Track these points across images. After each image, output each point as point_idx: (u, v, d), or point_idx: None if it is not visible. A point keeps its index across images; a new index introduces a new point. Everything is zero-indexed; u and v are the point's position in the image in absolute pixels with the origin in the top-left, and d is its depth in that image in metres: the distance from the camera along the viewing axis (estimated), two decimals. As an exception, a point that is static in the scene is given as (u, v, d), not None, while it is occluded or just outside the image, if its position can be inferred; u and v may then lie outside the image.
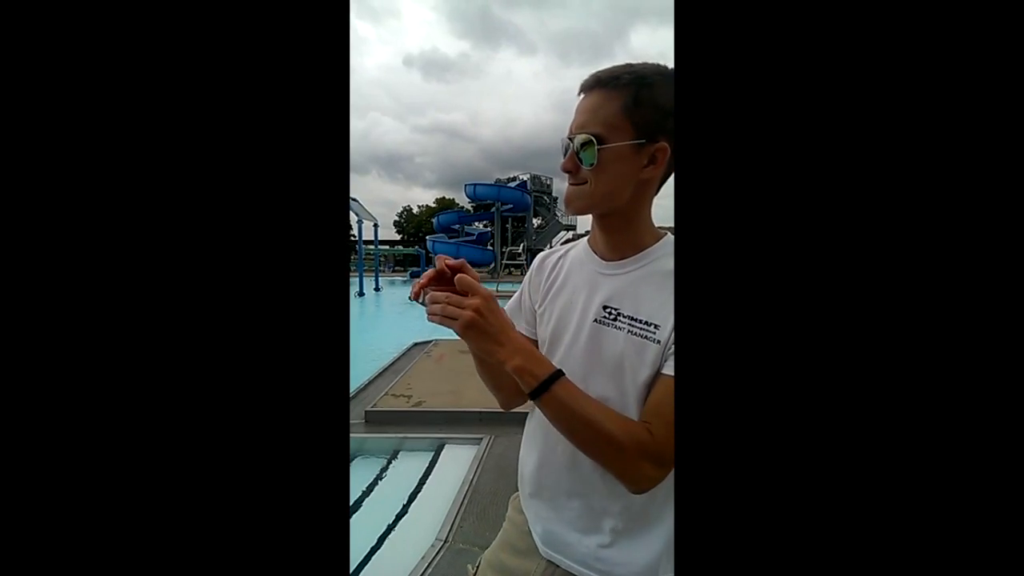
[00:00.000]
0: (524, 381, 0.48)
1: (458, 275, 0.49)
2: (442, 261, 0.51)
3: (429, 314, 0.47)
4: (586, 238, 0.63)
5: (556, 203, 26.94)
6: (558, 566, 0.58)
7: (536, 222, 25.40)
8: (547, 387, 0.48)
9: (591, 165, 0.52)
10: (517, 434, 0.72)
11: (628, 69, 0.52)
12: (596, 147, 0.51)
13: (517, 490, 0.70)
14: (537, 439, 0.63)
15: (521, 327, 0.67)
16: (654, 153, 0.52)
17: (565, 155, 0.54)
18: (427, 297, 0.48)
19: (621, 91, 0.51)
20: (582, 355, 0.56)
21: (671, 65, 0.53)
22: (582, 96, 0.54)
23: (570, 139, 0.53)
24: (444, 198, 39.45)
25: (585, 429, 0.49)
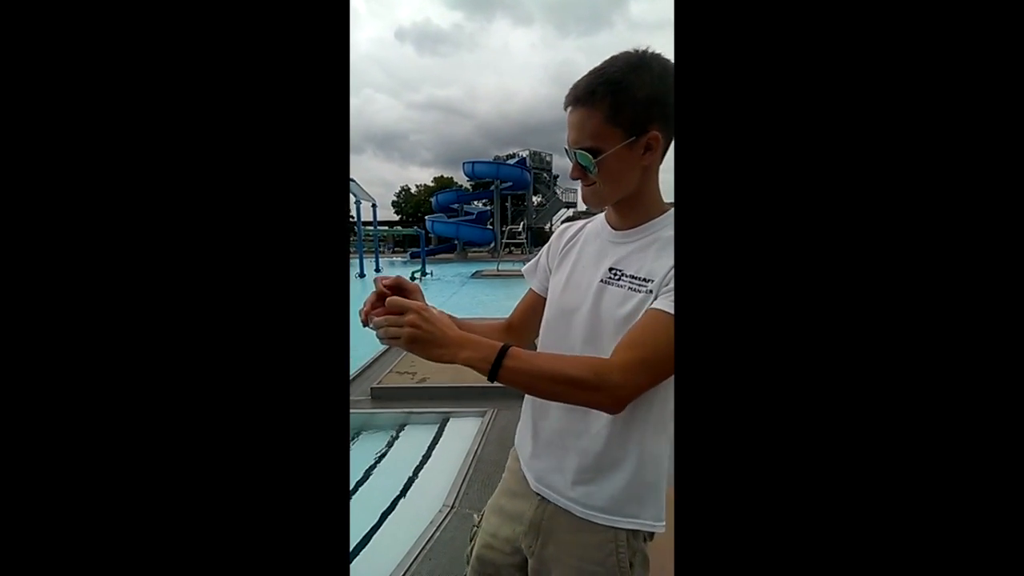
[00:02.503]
0: (478, 368, 0.52)
1: (388, 299, 0.53)
2: (380, 283, 0.56)
3: (377, 337, 0.53)
4: (603, 213, 0.68)
5: (556, 181, 26.60)
6: (549, 501, 0.64)
7: (536, 200, 25.14)
8: (499, 364, 0.52)
9: (595, 173, 0.57)
10: (520, 407, 0.76)
11: (600, 78, 0.55)
12: (594, 160, 0.56)
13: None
14: (526, 396, 0.70)
15: (533, 284, 0.75)
16: (648, 142, 0.56)
17: (572, 164, 0.59)
18: (372, 322, 0.53)
19: (598, 104, 0.55)
20: (589, 311, 0.61)
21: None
22: (568, 110, 0.58)
23: (572, 151, 0.57)
24: (442, 177, 38.98)
25: (546, 383, 0.53)
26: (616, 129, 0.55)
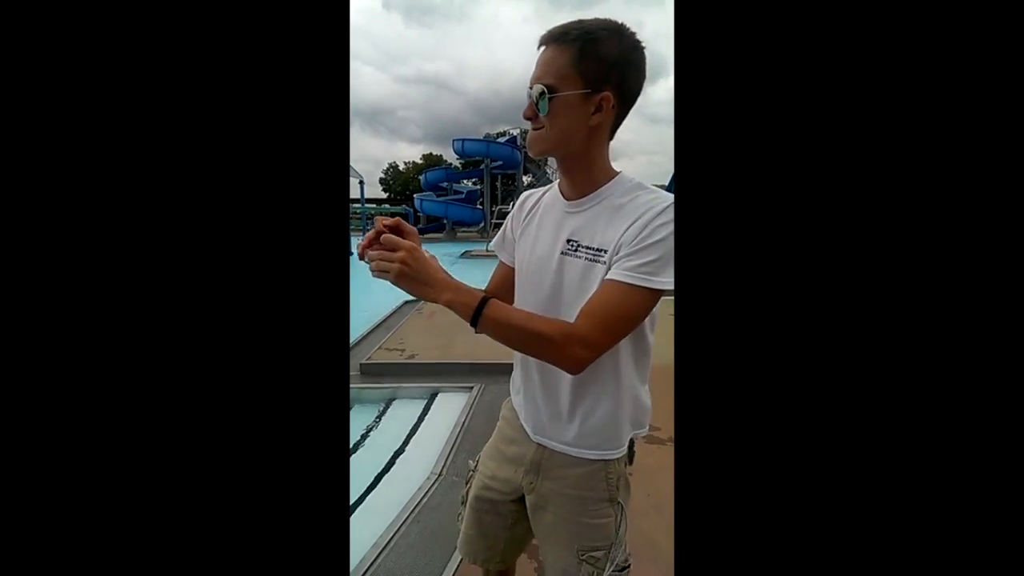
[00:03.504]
0: (459, 312, 0.58)
1: (383, 235, 0.58)
2: (380, 222, 0.60)
3: (371, 271, 0.57)
4: (557, 182, 0.72)
5: (547, 160, 26.26)
6: (546, 447, 0.72)
7: (527, 180, 24.91)
8: (480, 312, 0.58)
9: (546, 113, 0.60)
10: (507, 382, 0.82)
11: (577, 25, 0.58)
12: (548, 96, 0.59)
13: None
14: (516, 354, 0.76)
15: (503, 257, 0.79)
16: (600, 102, 0.60)
17: (528, 102, 0.62)
18: (368, 256, 0.58)
19: (569, 46, 0.59)
20: (552, 280, 0.67)
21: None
22: (541, 49, 0.61)
23: (532, 88, 0.61)
24: (431, 154, 38.25)
25: (518, 334, 0.60)
26: (577, 76, 0.58)
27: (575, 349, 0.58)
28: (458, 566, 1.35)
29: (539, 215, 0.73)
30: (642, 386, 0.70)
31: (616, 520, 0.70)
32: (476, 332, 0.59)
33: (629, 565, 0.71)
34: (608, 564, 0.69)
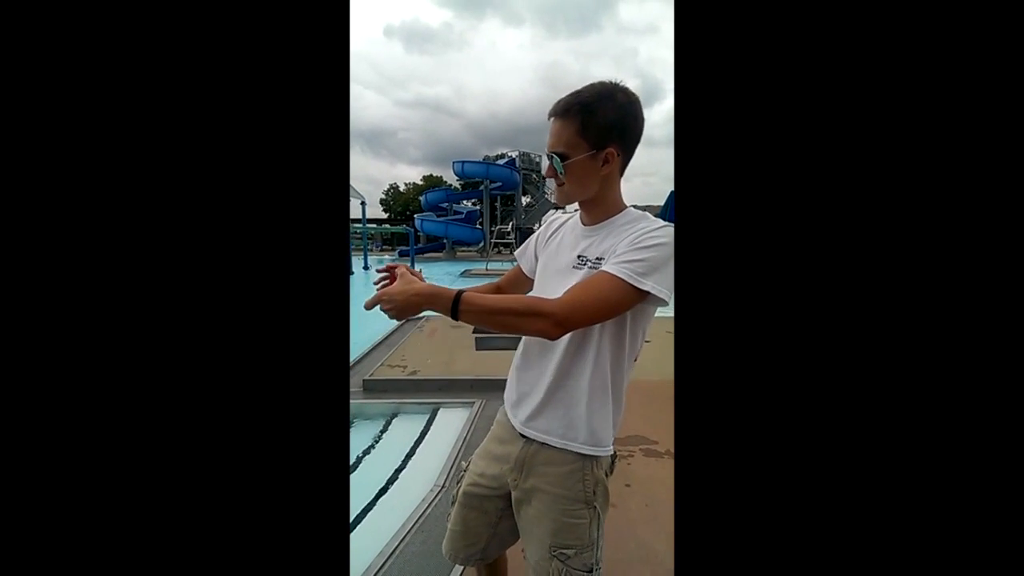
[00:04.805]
0: (443, 311, 0.69)
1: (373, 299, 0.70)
2: (379, 272, 0.80)
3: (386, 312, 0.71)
4: (579, 213, 0.85)
5: (545, 182, 26.30)
6: (532, 440, 0.80)
7: (525, 200, 25.28)
8: (457, 305, 0.68)
9: (563, 174, 0.75)
10: None
11: (576, 99, 0.71)
12: (562, 163, 0.74)
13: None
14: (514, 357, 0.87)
15: (522, 264, 0.94)
16: (606, 156, 0.73)
17: (548, 165, 0.77)
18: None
19: (572, 119, 0.73)
20: (559, 290, 0.77)
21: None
22: (550, 120, 0.74)
23: (549, 154, 0.74)
24: (431, 175, 38.88)
25: (493, 315, 0.70)
26: (583, 142, 0.72)
27: (546, 312, 0.68)
28: (461, 575, 1.38)
29: (560, 236, 0.87)
30: (614, 398, 0.76)
31: (590, 524, 0.76)
32: (458, 320, 0.69)
33: (592, 571, 0.76)
34: (581, 567, 0.75)
